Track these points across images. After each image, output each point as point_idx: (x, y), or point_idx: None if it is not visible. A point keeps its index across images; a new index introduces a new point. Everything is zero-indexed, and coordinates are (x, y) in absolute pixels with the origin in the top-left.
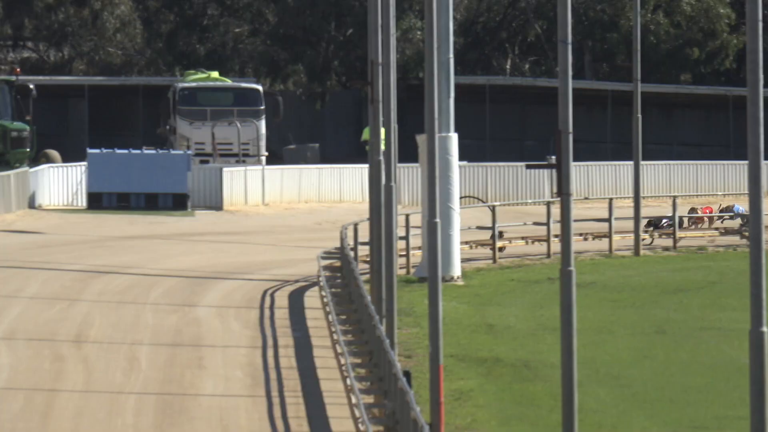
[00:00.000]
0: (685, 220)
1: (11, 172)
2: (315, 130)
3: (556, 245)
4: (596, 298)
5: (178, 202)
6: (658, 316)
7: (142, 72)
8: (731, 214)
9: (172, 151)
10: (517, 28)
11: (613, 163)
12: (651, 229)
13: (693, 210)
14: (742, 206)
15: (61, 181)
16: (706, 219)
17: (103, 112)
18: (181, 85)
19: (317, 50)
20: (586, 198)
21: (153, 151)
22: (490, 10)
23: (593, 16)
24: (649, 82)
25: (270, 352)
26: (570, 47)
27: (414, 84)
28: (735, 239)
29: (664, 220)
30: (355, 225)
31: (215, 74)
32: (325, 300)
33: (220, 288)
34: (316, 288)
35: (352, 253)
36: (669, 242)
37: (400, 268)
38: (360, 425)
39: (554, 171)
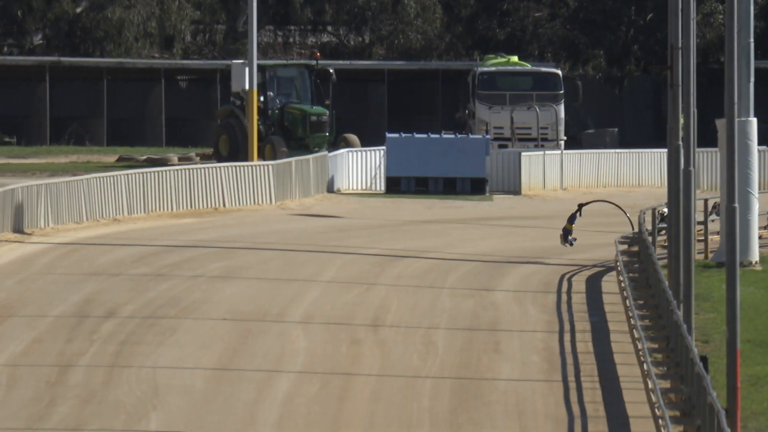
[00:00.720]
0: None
1: (310, 157)
2: (614, 115)
3: None
4: None
5: (476, 187)
6: None
7: (442, 56)
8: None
9: (471, 136)
10: None
11: None
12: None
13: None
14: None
15: (359, 166)
16: None
17: (402, 97)
18: (480, 69)
19: (617, 34)
20: None
21: (452, 136)
22: None
23: None
24: None
25: (567, 337)
26: None
27: (714, 68)
28: None
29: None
30: (653, 209)
31: (515, 59)
32: (622, 285)
33: (518, 272)
34: (614, 273)
35: (649, 238)
36: None
37: (698, 253)
38: (656, 410)
39: None
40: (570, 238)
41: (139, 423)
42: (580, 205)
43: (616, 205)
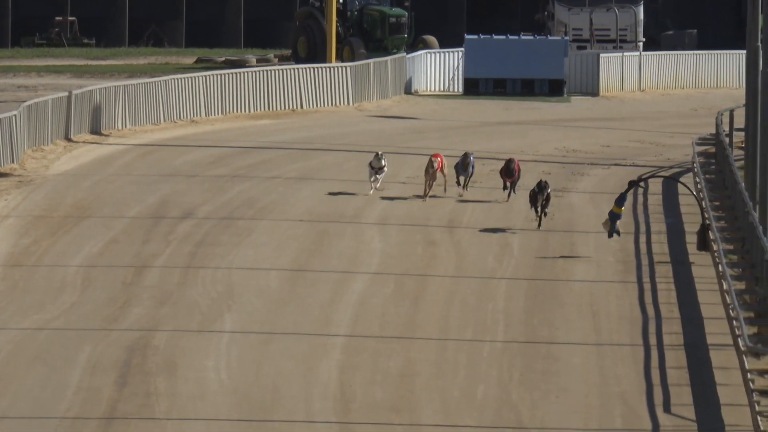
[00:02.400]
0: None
1: (389, 58)
2: (693, 16)
3: None
4: None
5: (554, 88)
6: None
7: None
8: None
9: (550, 37)
10: None
11: None
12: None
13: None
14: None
15: (437, 67)
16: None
17: None
18: None
19: None
20: None
21: (530, 37)
22: None
23: None
24: None
25: (642, 238)
26: None
27: None
28: None
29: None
30: (731, 111)
31: None
32: (698, 186)
33: (594, 174)
34: (690, 174)
35: (727, 140)
36: None
37: None
38: (731, 311)
39: None
40: (617, 227)
41: (213, 324)
42: (632, 183)
43: (675, 180)
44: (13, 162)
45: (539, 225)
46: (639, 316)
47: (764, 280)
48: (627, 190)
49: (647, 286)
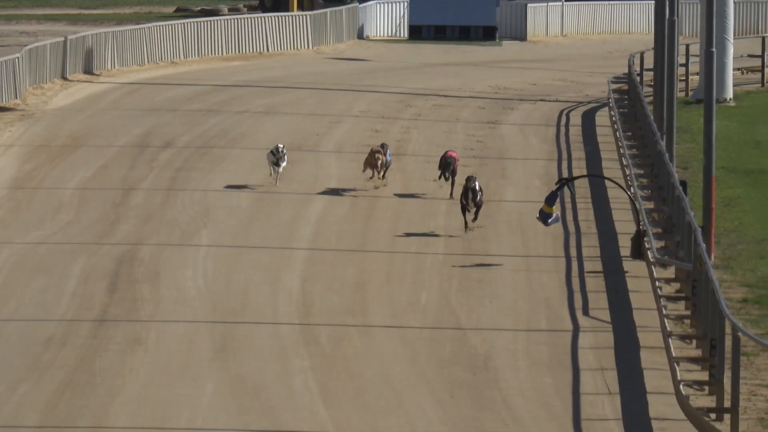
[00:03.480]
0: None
1: (343, 8)
2: None
3: None
4: None
5: (487, 34)
6: None
7: None
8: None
9: None
10: None
11: None
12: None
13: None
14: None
15: (386, 15)
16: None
17: None
18: None
19: None
20: None
21: None
22: None
23: None
24: None
25: (564, 164)
26: None
27: None
28: None
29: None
30: (642, 53)
31: None
32: (613, 119)
33: (523, 108)
34: (606, 108)
35: (638, 78)
36: None
37: (680, 91)
38: (641, 227)
39: None
40: (551, 220)
41: (192, 239)
42: (563, 181)
43: (607, 178)
44: (16, 98)
45: (466, 227)
46: (561, 232)
47: (670, 201)
48: (558, 189)
49: (568, 206)
